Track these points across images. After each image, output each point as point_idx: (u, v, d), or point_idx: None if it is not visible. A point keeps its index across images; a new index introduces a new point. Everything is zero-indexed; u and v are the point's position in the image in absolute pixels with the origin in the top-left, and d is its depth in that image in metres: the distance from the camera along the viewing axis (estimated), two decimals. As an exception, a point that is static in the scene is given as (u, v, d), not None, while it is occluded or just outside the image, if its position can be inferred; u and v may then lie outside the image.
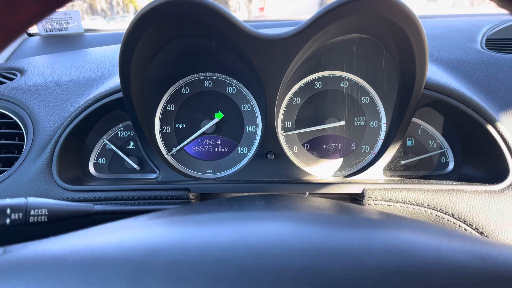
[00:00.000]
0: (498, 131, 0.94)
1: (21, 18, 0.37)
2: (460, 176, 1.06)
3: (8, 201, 0.66)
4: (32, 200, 0.68)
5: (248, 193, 1.01)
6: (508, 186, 0.91)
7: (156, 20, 0.87)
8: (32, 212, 0.66)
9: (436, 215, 0.92)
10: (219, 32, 0.93)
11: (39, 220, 0.67)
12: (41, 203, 0.68)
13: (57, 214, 0.69)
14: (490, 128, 0.94)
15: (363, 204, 0.95)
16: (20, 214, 0.65)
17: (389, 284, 0.32)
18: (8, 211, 0.65)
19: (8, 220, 0.64)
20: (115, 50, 1.33)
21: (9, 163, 1.03)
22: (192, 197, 0.98)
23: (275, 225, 0.44)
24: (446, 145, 1.10)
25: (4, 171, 1.00)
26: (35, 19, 0.39)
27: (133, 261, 0.36)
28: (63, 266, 0.36)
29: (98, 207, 0.77)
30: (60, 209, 0.70)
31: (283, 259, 0.34)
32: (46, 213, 0.68)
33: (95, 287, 0.33)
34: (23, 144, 1.03)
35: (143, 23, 0.86)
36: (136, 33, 0.88)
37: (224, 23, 0.88)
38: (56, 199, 0.96)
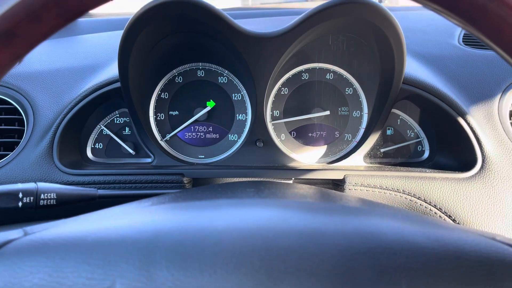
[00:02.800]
0: (468, 124, 1.02)
1: (44, 29, 0.43)
2: (434, 164, 1.15)
3: (20, 186, 0.71)
4: (42, 185, 0.74)
5: (238, 179, 1.08)
6: (475, 174, 0.99)
7: (153, 19, 0.92)
8: (42, 196, 0.73)
9: (410, 200, 1.00)
10: (212, 29, 0.99)
11: (48, 203, 0.74)
12: (50, 188, 0.74)
13: (64, 197, 0.75)
14: (461, 121, 1.02)
15: (344, 189, 1.03)
16: (31, 198, 0.71)
17: (359, 261, 0.39)
18: (20, 195, 0.71)
19: (20, 204, 0.71)
20: (110, 37, 1.36)
21: (10, 147, 1.07)
22: (185, 182, 1.04)
23: (264, 210, 0.51)
24: (422, 134, 1.18)
25: (5, 155, 1.05)
26: (57, 29, 0.44)
27: (143, 242, 0.41)
28: (84, 245, 0.40)
29: (102, 191, 0.83)
30: (67, 193, 0.76)
31: (271, 240, 0.41)
32: (55, 197, 0.74)
33: (112, 264, 0.37)
34: (23, 130, 1.08)
35: (141, 22, 0.91)
36: (133, 32, 0.93)
37: (217, 22, 0.94)
38: (57, 182, 1.01)
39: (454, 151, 1.10)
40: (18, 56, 0.41)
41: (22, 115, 1.09)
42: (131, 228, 0.43)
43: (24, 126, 1.08)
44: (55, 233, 0.43)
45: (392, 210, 0.58)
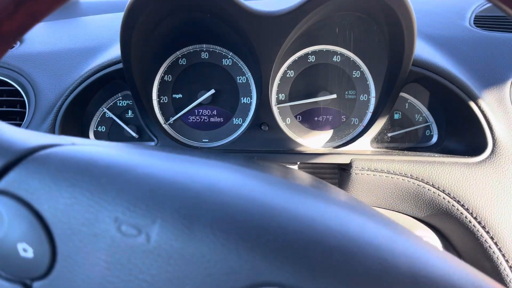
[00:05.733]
0: (479, 107, 0.99)
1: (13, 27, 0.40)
2: (442, 148, 1.12)
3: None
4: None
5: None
6: (486, 158, 0.97)
7: None
8: None
9: (418, 184, 0.98)
10: (215, 7, 0.96)
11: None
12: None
13: None
14: (472, 104, 1.00)
15: (350, 174, 1.01)
16: None
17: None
18: None
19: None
20: (112, 19, 1.34)
21: (12, 129, 1.06)
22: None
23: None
24: (431, 119, 1.16)
25: (7, 137, 1.03)
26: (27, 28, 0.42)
27: (194, 191, 0.37)
28: (133, 174, 0.37)
29: None
30: None
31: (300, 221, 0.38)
32: None
33: (157, 203, 0.35)
34: (25, 112, 1.06)
35: (141, 1, 0.88)
36: (135, 9, 0.90)
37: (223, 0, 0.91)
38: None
39: (463, 136, 1.07)
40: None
41: (23, 97, 1.08)
42: (185, 174, 0.40)
43: (25, 108, 1.06)
44: (104, 152, 0.41)
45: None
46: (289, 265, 0.33)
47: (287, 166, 0.80)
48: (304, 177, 0.66)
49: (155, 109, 1.17)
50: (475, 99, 1.00)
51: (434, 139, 1.16)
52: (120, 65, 1.03)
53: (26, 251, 0.36)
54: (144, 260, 0.34)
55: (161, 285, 0.34)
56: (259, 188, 0.42)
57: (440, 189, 0.97)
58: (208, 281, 0.33)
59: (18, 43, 1.22)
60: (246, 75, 1.17)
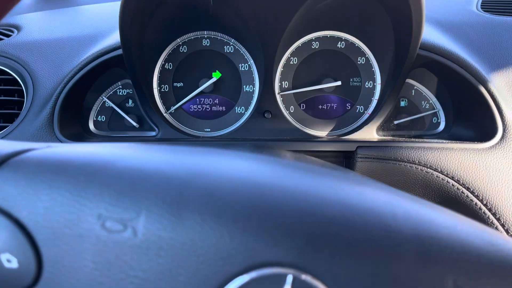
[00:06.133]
0: (489, 91, 0.97)
1: None
2: (450, 135, 1.10)
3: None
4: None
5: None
6: (496, 144, 0.94)
7: None
8: None
9: (426, 171, 0.96)
10: None
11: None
12: None
13: None
14: (481, 88, 0.97)
15: (355, 161, 0.98)
16: None
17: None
18: None
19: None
20: (111, 8, 1.31)
21: (10, 119, 1.04)
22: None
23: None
24: (438, 105, 1.13)
25: (5, 127, 1.01)
26: None
27: (178, 178, 0.36)
28: (112, 169, 0.36)
29: None
30: None
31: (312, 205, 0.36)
32: None
33: (140, 195, 0.34)
34: (23, 101, 1.04)
35: None
36: None
37: None
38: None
39: (472, 121, 1.04)
40: None
41: (21, 86, 1.05)
42: (166, 163, 0.38)
43: (23, 97, 1.04)
44: (82, 151, 0.39)
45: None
46: (285, 241, 0.31)
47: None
48: (292, 154, 0.64)
49: (155, 98, 1.15)
50: (484, 83, 0.97)
51: (442, 126, 1.13)
52: (119, 52, 1.01)
53: (10, 261, 0.35)
54: (133, 255, 0.33)
55: (153, 279, 0.32)
56: (245, 168, 0.41)
57: (449, 176, 0.94)
58: (203, 268, 0.32)
59: (15, 31, 1.20)
60: (249, 63, 1.15)
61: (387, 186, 0.45)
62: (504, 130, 0.95)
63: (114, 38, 1.06)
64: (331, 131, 1.17)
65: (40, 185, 0.35)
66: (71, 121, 1.06)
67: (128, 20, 0.92)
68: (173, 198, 0.33)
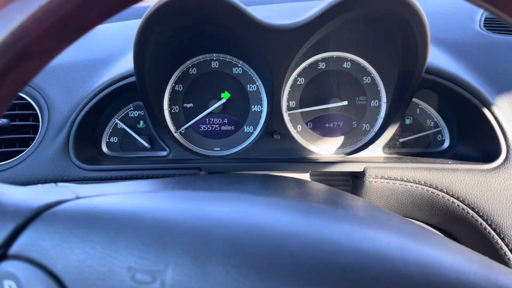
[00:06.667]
0: (492, 114, 0.99)
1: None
2: (455, 154, 1.12)
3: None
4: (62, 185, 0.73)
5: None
6: (500, 165, 0.97)
7: (169, 14, 0.89)
8: None
9: (431, 192, 0.98)
10: (230, 22, 0.96)
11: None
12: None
13: None
14: (485, 111, 0.99)
15: (364, 182, 1.01)
16: None
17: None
18: None
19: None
20: (121, 28, 1.34)
21: (25, 143, 1.07)
22: (203, 176, 1.03)
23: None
24: (442, 123, 1.16)
25: (21, 151, 1.04)
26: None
27: (202, 230, 0.38)
28: (140, 222, 0.38)
29: None
30: None
31: (328, 252, 0.38)
32: None
33: (167, 248, 0.36)
34: (38, 125, 1.07)
35: (157, 17, 0.88)
36: (149, 26, 0.90)
37: (236, 15, 0.91)
38: (74, 179, 1.01)
39: (476, 141, 1.07)
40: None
41: (36, 110, 1.08)
42: (190, 214, 0.41)
43: (38, 122, 1.07)
44: (110, 202, 0.42)
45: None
46: None
47: (297, 178, 0.80)
48: (314, 191, 0.66)
49: (166, 118, 1.18)
50: (488, 105, 1.00)
51: (446, 144, 1.16)
52: (132, 78, 1.04)
53: None
54: None
55: None
56: (264, 216, 0.43)
57: (454, 196, 0.97)
58: None
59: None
60: (257, 83, 1.17)
61: (397, 218, 0.48)
62: (507, 152, 0.97)
63: (126, 63, 1.08)
64: (338, 148, 1.19)
65: (73, 239, 0.37)
66: (85, 144, 1.09)
67: (143, 51, 0.95)
68: (198, 250, 0.36)
